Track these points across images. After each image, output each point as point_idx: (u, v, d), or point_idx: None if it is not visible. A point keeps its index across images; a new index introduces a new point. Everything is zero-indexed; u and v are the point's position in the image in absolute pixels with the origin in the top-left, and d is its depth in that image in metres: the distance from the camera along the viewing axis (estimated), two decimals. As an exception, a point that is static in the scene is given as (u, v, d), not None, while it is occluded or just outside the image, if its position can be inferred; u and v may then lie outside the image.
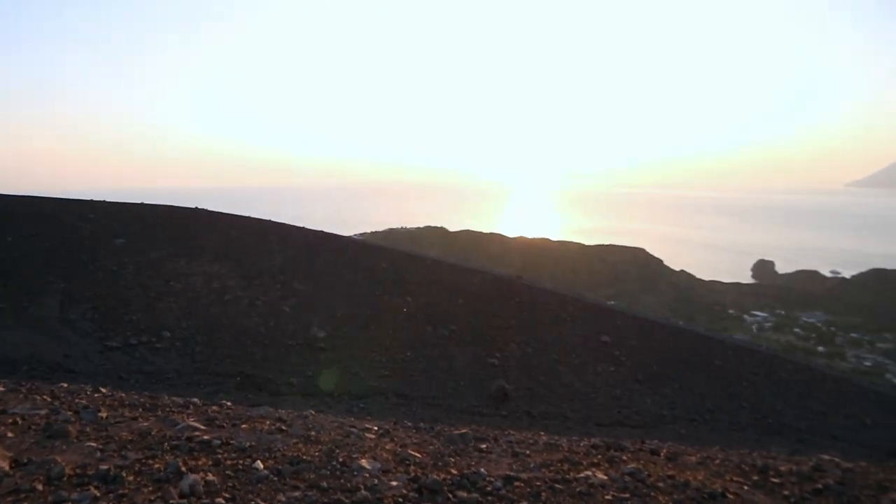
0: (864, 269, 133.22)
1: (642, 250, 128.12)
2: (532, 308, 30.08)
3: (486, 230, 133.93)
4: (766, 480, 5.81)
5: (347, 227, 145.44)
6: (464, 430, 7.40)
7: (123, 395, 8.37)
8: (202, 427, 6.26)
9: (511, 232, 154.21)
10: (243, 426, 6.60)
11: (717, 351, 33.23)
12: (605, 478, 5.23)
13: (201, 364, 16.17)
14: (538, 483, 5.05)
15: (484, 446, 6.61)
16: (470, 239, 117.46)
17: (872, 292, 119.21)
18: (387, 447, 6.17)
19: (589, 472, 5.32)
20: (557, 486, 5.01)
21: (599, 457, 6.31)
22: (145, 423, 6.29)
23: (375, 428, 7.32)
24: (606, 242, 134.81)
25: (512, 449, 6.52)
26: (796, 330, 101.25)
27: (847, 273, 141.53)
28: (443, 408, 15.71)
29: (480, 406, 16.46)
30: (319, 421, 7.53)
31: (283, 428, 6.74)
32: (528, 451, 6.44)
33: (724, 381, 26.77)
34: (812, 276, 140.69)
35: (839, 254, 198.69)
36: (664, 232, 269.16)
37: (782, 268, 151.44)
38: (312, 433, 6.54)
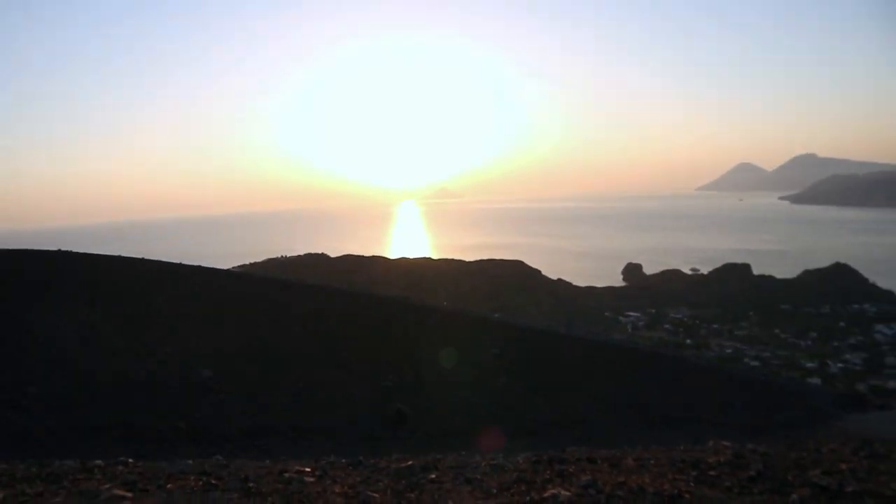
0: (718, 264, 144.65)
1: (521, 262, 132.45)
2: (421, 327, 30.46)
3: (367, 254, 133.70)
4: (704, 475, 6.23)
5: (227, 259, 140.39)
6: (409, 462, 7.20)
7: (6, 466, 7.43)
8: (128, 494, 5.80)
9: (393, 254, 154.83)
10: (169, 486, 6.18)
11: (601, 353, 35.05)
12: (569, 493, 5.36)
13: (76, 419, 15.03)
14: (514, 510, 5.05)
15: (433, 476, 6.50)
16: (352, 263, 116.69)
17: (726, 285, 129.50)
18: (336, 490, 5.95)
19: (554, 491, 5.40)
20: None
21: (548, 472, 6.43)
22: (59, 499, 5.73)
23: (308, 469, 7.10)
24: (486, 257, 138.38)
25: (463, 475, 6.47)
26: (666, 326, 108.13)
27: (705, 269, 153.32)
28: (343, 437, 15.59)
29: (379, 431, 16.51)
30: (246, 469, 7.23)
31: (214, 482, 6.36)
32: (478, 476, 6.49)
33: (611, 380, 28.25)
34: (675, 274, 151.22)
35: (696, 252, 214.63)
36: (537, 243, 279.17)
37: (649, 269, 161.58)
38: (251, 485, 6.22)
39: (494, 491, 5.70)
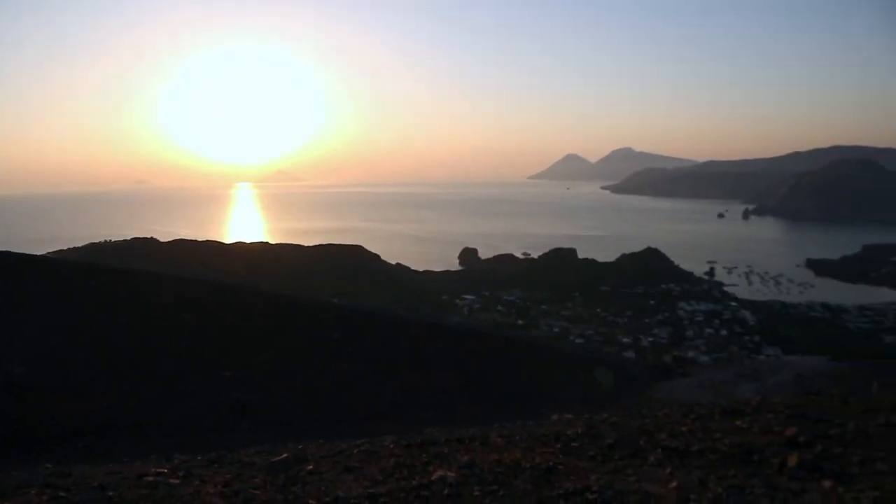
0: (546, 249, 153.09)
1: (360, 247, 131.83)
2: (260, 314, 29.36)
3: (200, 238, 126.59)
4: (568, 447, 6.41)
5: (40, 244, 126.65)
6: (283, 455, 6.93)
7: None
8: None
9: (228, 238, 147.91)
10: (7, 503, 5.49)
11: (441, 334, 35.83)
12: (454, 474, 5.28)
13: None
14: (402, 494, 5.05)
15: (310, 467, 6.31)
16: (184, 248, 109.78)
17: (554, 268, 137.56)
18: (210, 491, 5.61)
19: (440, 473, 5.31)
20: (423, 493, 4.98)
21: (424, 455, 6.37)
22: None
23: (166, 470, 6.45)
24: (325, 242, 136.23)
25: (341, 464, 6.27)
26: (499, 308, 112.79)
27: (535, 254, 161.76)
28: (184, 432, 14.57)
29: (221, 423, 15.62)
30: (95, 476, 6.42)
31: (63, 494, 5.67)
32: (356, 463, 6.22)
33: (451, 361, 28.92)
34: (508, 258, 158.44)
35: (528, 238, 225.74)
36: (376, 228, 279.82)
37: (484, 253, 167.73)
38: (110, 494, 5.62)
39: (380, 477, 5.60)
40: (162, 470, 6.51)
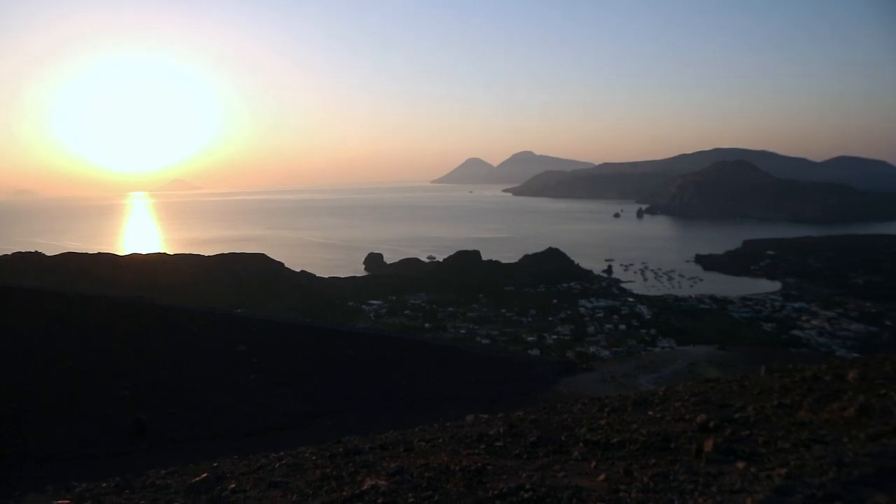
0: (451, 252, 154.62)
1: (262, 255, 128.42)
2: (160, 328, 27.93)
3: (91, 251, 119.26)
4: (492, 447, 6.39)
5: None
6: (203, 475, 6.57)
7: None
8: None
9: (122, 251, 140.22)
10: None
11: (348, 341, 35.33)
12: (386, 483, 5.14)
13: None
14: (337, 507, 4.84)
15: (233, 485, 6.06)
16: (73, 263, 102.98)
17: (459, 271, 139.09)
18: None
19: (372, 482, 5.17)
20: None
21: (350, 465, 6.20)
22: None
23: (68, 502, 5.87)
24: (226, 251, 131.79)
25: (265, 480, 5.95)
26: (406, 312, 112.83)
27: (440, 257, 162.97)
28: (79, 458, 13.54)
29: (120, 445, 14.67)
30: None
31: None
32: (280, 479, 5.92)
33: (361, 367, 28.56)
34: (414, 262, 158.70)
35: (433, 241, 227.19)
36: (279, 236, 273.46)
37: (389, 258, 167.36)
38: None
39: (309, 491, 5.44)
40: (63, 502, 6.00)
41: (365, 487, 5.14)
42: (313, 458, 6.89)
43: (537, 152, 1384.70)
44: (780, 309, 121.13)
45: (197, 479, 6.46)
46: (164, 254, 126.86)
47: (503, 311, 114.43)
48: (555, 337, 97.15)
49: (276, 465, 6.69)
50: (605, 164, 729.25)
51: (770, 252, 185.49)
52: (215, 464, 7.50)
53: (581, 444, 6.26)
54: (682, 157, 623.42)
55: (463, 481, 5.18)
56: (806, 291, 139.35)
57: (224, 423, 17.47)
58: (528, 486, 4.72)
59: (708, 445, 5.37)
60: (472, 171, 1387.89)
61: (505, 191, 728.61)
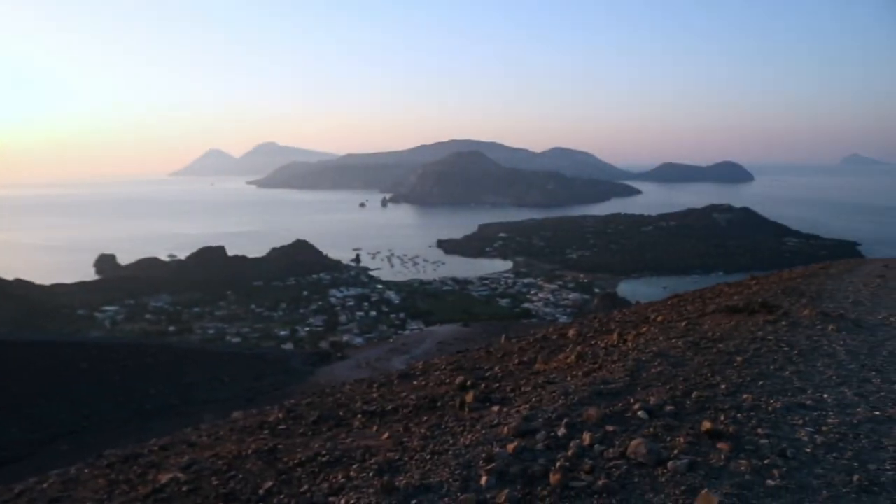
0: (194, 248, 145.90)
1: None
2: None
3: None
4: (276, 430, 6.69)
5: None
6: None
7: None
8: None
9: None
10: None
11: (80, 353, 32.07)
12: (183, 475, 5.19)
13: None
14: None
15: None
16: None
17: (204, 268, 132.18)
18: None
19: (169, 475, 5.29)
20: (160, 496, 5.11)
21: (135, 467, 6.18)
22: None
23: None
24: None
25: (45, 498, 5.53)
26: (147, 316, 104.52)
27: (182, 254, 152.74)
28: None
29: None
30: None
31: None
32: (62, 494, 5.60)
33: (98, 381, 26.23)
34: (153, 262, 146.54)
35: (172, 238, 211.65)
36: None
37: (124, 259, 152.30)
38: None
39: (104, 496, 5.24)
40: None
41: (164, 481, 5.24)
42: (86, 470, 6.65)
43: (281, 143, 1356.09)
44: (513, 286, 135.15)
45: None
46: None
47: (253, 306, 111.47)
48: (308, 329, 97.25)
49: (45, 486, 6.34)
50: (349, 155, 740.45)
51: (502, 234, 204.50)
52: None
53: (360, 415, 6.93)
54: (423, 148, 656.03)
55: (260, 460, 5.53)
56: (533, 268, 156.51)
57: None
58: (323, 453, 5.25)
59: (469, 398, 6.41)
60: (214, 162, 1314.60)
61: (249, 183, 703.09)
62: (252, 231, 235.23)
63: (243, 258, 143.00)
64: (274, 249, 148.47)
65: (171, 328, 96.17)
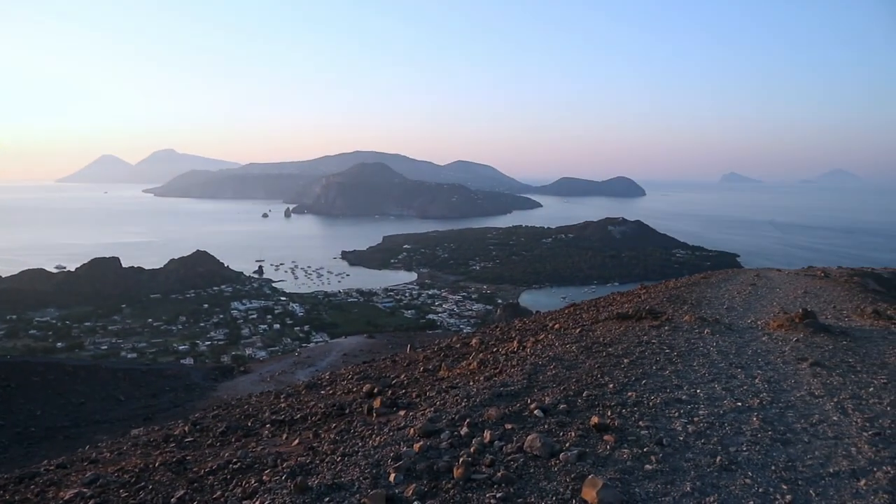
0: (85, 259, 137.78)
1: None
2: None
3: None
4: (183, 443, 6.61)
5: None
6: None
7: None
8: None
9: None
10: None
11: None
12: (88, 490, 5.08)
13: None
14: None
15: None
16: None
17: (96, 280, 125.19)
18: None
19: (72, 491, 5.08)
20: None
21: (33, 487, 5.93)
22: None
23: None
24: None
25: None
26: (32, 332, 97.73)
27: (71, 266, 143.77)
28: None
29: None
30: None
31: None
32: None
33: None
34: (38, 274, 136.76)
35: (61, 248, 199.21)
36: None
37: (6, 270, 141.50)
38: None
39: None
40: None
41: (67, 498, 5.17)
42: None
43: (180, 150, 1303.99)
44: (418, 297, 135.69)
45: None
46: None
47: (150, 320, 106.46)
48: (209, 343, 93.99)
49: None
50: (252, 164, 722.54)
51: (406, 246, 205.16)
52: None
53: (268, 425, 7.03)
54: (327, 159, 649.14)
55: (169, 471, 5.55)
56: (437, 280, 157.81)
57: None
58: (234, 460, 5.34)
59: (377, 403, 6.67)
60: (107, 169, 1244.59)
61: (146, 191, 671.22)
62: (149, 241, 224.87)
63: (139, 270, 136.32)
64: (172, 260, 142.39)
65: (60, 344, 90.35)
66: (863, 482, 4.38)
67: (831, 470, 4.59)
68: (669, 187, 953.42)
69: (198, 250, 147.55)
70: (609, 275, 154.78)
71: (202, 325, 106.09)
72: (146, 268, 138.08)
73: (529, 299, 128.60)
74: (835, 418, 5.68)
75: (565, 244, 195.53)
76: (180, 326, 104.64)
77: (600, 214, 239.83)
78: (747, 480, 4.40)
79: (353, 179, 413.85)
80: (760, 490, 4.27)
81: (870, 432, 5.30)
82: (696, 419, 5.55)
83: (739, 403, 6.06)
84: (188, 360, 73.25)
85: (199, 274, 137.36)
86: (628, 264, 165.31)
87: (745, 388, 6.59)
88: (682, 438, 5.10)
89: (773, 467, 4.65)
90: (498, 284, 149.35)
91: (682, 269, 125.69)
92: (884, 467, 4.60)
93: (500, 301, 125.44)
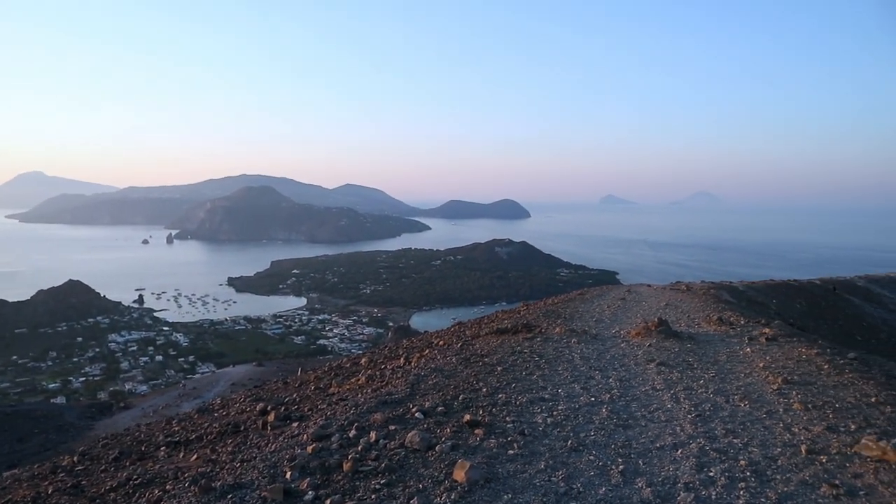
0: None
1: None
2: None
3: None
4: (72, 472, 6.62)
5: None
6: None
7: None
8: None
9: None
10: None
11: None
12: None
13: None
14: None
15: None
16: None
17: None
18: None
19: None
20: None
21: None
22: None
23: None
24: None
25: None
26: None
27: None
28: None
29: None
30: None
31: None
32: None
33: None
34: None
35: None
36: None
37: None
38: None
39: None
40: None
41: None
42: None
43: (49, 173, 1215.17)
44: (308, 322, 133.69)
45: None
46: None
47: (15, 357, 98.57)
48: (83, 379, 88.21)
49: None
50: (131, 188, 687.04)
51: (295, 271, 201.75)
52: None
53: (163, 447, 7.27)
54: (211, 183, 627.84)
55: (65, 495, 5.72)
56: (327, 304, 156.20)
57: None
58: (135, 477, 5.60)
59: (271, 417, 7.11)
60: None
61: (9, 217, 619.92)
62: (13, 272, 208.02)
63: (2, 302, 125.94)
64: (41, 291, 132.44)
65: None
66: (679, 451, 5.39)
67: (658, 445, 5.57)
68: (552, 209, 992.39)
69: (70, 280, 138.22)
70: (497, 295, 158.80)
71: (75, 360, 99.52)
72: (10, 300, 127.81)
73: (420, 321, 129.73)
74: (669, 406, 6.76)
75: (454, 266, 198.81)
76: (50, 363, 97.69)
77: (487, 236, 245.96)
78: (591, 457, 5.29)
79: (239, 203, 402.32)
80: (601, 464, 5.16)
81: (693, 415, 6.39)
82: (555, 413, 6.44)
83: (593, 399, 7.03)
84: (60, 399, 68.50)
85: (71, 305, 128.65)
86: (515, 284, 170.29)
87: (600, 386, 7.60)
88: (541, 429, 5.96)
89: (613, 446, 5.57)
90: (388, 307, 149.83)
91: (567, 287, 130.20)
92: (698, 440, 5.64)
93: (391, 324, 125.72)
